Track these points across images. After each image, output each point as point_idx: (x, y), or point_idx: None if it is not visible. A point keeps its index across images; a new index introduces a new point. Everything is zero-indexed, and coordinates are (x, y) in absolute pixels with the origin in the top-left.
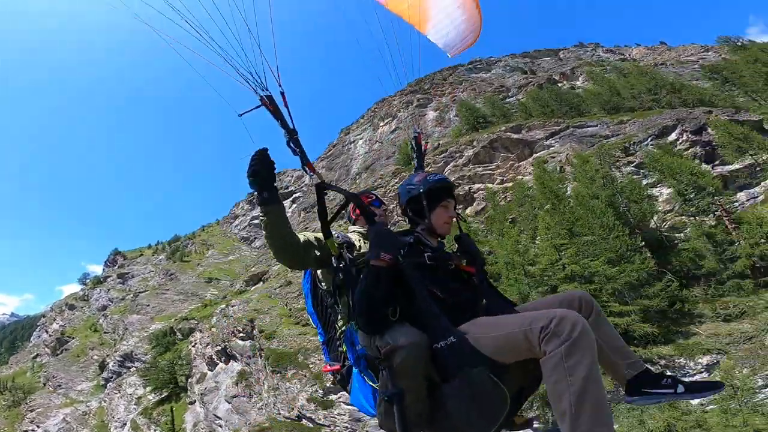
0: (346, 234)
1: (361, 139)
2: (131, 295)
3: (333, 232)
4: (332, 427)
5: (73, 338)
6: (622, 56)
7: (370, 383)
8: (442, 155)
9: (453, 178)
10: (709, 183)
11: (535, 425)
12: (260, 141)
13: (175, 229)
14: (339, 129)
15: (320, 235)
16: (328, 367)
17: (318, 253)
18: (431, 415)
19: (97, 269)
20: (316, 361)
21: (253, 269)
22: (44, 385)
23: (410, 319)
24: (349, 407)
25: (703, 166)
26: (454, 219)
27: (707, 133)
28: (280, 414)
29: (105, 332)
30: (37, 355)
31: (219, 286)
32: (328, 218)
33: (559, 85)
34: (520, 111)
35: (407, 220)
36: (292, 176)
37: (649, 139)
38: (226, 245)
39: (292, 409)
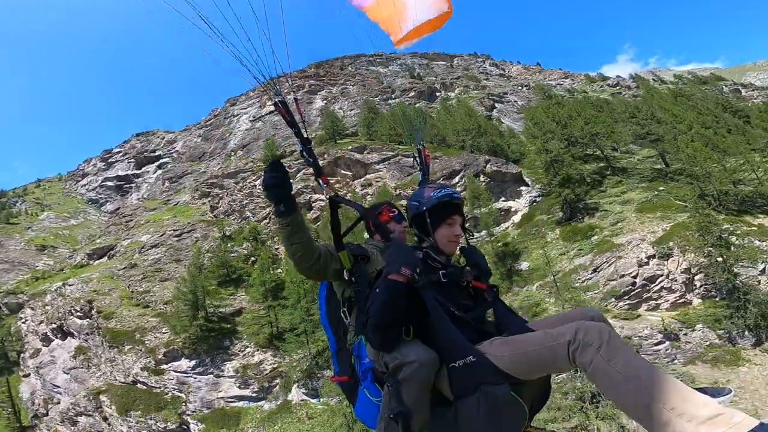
0: (363, 246)
1: (245, 113)
2: None
3: (349, 244)
4: (163, 389)
5: None
6: (503, 72)
7: (373, 399)
8: (296, 161)
9: (301, 185)
10: None
11: None
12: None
13: None
14: (227, 96)
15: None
16: (336, 378)
17: (338, 266)
18: (438, 429)
19: None
20: (152, 338)
21: (98, 241)
22: None
23: (424, 338)
24: (177, 373)
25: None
26: (461, 236)
27: (478, 180)
28: (116, 380)
29: None
30: None
31: (54, 254)
32: (341, 232)
33: (437, 94)
34: (376, 127)
35: (415, 236)
36: (163, 138)
37: (441, 179)
38: (69, 206)
39: (128, 376)
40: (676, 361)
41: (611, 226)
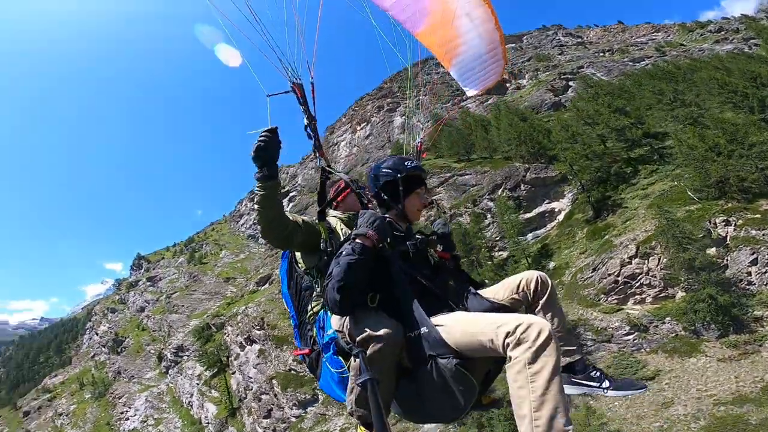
0: (327, 219)
1: (342, 141)
2: (164, 297)
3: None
4: (304, 372)
5: (127, 338)
6: (580, 39)
7: (334, 370)
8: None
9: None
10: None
11: None
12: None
13: (184, 222)
14: (326, 124)
15: (306, 218)
16: (298, 351)
17: (303, 237)
18: (403, 400)
19: (115, 266)
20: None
21: (261, 271)
22: (114, 378)
23: (386, 307)
24: None
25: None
26: (426, 205)
27: (519, 189)
28: (281, 369)
29: (153, 330)
30: (95, 354)
31: (236, 283)
32: (326, 201)
33: (507, 85)
34: (445, 141)
35: (379, 203)
36: (286, 173)
37: (487, 194)
38: (236, 244)
39: (286, 366)
40: (641, 350)
41: (621, 225)
